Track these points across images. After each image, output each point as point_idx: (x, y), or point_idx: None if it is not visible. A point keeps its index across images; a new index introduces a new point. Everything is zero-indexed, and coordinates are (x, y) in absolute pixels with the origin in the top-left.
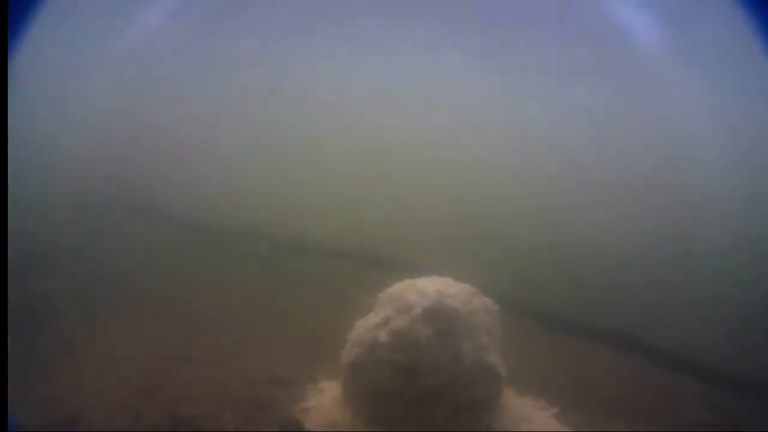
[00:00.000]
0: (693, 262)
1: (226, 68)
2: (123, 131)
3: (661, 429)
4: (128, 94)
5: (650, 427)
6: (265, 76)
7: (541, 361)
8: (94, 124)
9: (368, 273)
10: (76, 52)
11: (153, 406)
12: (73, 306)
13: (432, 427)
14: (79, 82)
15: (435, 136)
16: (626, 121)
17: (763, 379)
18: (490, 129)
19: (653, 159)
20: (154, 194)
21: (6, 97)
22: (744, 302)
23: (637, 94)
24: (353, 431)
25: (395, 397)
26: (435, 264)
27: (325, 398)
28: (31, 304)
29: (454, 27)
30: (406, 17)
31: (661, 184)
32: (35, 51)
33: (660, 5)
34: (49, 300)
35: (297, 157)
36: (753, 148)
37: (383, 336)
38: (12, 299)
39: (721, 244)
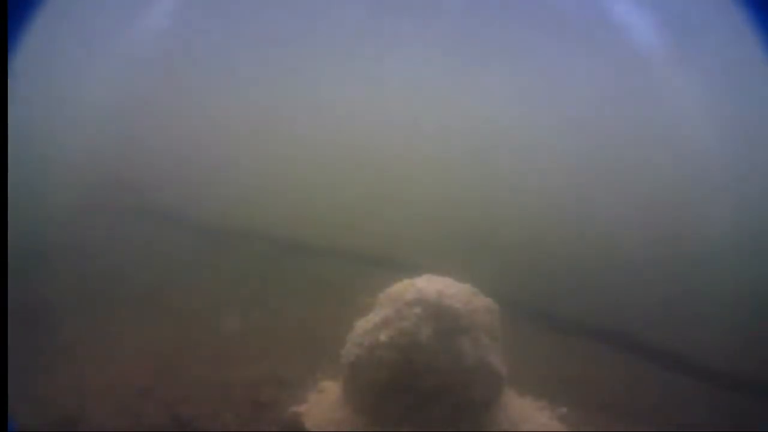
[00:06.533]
0: (692, 262)
1: (226, 69)
2: (124, 132)
3: (661, 429)
4: (129, 94)
5: (650, 427)
6: (266, 78)
7: (541, 361)
8: (95, 124)
9: (368, 273)
10: (76, 51)
11: (153, 406)
12: (73, 306)
13: (432, 426)
14: (80, 82)
15: (435, 137)
16: (625, 122)
17: (763, 379)
18: (489, 131)
19: (652, 160)
20: (156, 195)
21: (6, 97)
22: (744, 302)
23: (636, 94)
24: (353, 431)
25: (395, 396)
26: (435, 264)
27: (325, 398)
28: (31, 303)
29: (455, 32)
30: (408, 22)
31: (660, 184)
32: (35, 51)
33: (660, 4)
34: (49, 300)
35: (297, 158)
36: (752, 147)
37: (383, 336)
38: (12, 299)
39: (721, 245)
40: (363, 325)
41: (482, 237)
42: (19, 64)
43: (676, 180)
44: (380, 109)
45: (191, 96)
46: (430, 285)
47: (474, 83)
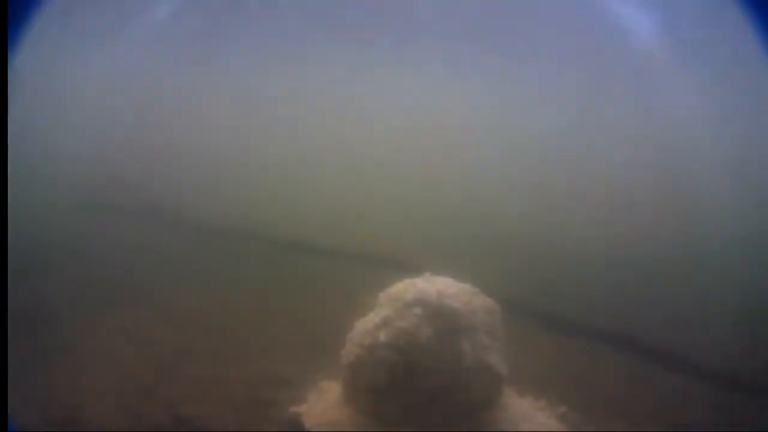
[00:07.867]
0: (692, 262)
1: (227, 71)
2: (124, 132)
3: (661, 429)
4: (129, 95)
5: (650, 427)
6: (266, 79)
7: (542, 361)
8: (94, 124)
9: (368, 273)
10: (76, 52)
11: (153, 406)
12: (72, 306)
13: (432, 427)
14: (79, 82)
15: (435, 136)
16: (626, 122)
17: (763, 379)
18: (489, 131)
19: (653, 160)
20: (155, 194)
21: (6, 98)
22: (744, 302)
23: (636, 95)
24: (353, 431)
25: (395, 397)
26: (435, 264)
27: (325, 398)
28: (31, 304)
29: (454, 34)
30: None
31: (660, 184)
32: (35, 51)
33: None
34: (48, 300)
35: (297, 157)
36: (752, 148)
37: (383, 336)
38: (12, 299)
39: (721, 244)
40: (363, 325)
41: (482, 237)
42: (19, 63)
43: (676, 179)
44: (379, 109)
45: (192, 95)
46: (430, 285)
47: (470, 82)
